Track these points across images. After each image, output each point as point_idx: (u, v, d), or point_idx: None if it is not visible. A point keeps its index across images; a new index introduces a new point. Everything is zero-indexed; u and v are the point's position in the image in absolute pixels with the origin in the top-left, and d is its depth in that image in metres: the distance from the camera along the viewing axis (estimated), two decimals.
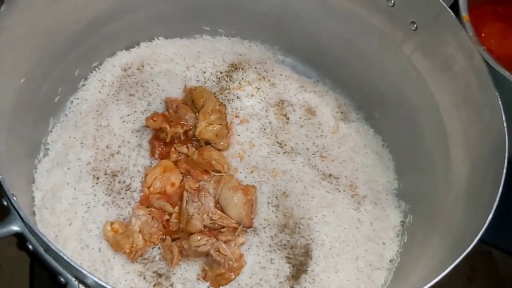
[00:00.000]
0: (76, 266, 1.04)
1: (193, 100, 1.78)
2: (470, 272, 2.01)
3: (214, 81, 1.91)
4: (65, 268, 1.18)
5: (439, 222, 1.57)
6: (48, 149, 1.69)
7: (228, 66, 1.96)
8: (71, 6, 1.56)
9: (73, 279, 1.19)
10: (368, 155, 1.88)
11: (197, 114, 1.73)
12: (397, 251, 1.70)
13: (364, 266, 1.63)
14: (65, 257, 1.05)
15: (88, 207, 1.56)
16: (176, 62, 1.93)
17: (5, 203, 1.21)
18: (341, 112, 1.97)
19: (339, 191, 1.74)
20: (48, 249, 1.11)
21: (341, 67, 2.03)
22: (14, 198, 1.15)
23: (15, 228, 1.18)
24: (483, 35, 1.71)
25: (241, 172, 1.69)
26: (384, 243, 1.70)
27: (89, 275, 1.07)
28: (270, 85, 1.92)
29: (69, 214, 1.55)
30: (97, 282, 1.06)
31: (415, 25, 1.62)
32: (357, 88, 2.02)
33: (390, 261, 1.68)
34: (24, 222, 1.16)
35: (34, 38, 1.47)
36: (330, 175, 1.77)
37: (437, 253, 1.46)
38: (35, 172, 1.62)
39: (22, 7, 1.38)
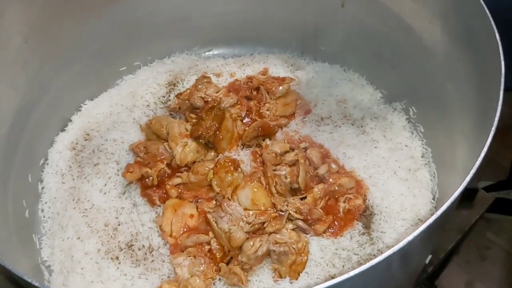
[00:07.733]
0: None
1: (155, 133, 1.65)
2: None
3: (162, 108, 1.80)
4: None
5: (443, 94, 1.53)
6: (49, 266, 1.49)
7: (166, 87, 1.85)
8: None
9: None
10: (339, 83, 1.84)
11: (167, 144, 1.60)
12: (422, 144, 1.66)
13: (405, 174, 1.57)
14: None
15: None
16: (117, 112, 1.79)
17: None
18: (292, 65, 1.93)
19: (339, 126, 1.68)
20: None
21: (261, 30, 2.01)
22: None
23: None
24: None
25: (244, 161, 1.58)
26: (406, 145, 1.66)
27: None
28: (215, 76, 1.85)
29: None
30: None
31: None
32: (288, 38, 1.99)
33: (422, 156, 1.64)
34: None
35: None
36: (322, 118, 1.71)
37: (466, 122, 1.39)
38: None
39: None
